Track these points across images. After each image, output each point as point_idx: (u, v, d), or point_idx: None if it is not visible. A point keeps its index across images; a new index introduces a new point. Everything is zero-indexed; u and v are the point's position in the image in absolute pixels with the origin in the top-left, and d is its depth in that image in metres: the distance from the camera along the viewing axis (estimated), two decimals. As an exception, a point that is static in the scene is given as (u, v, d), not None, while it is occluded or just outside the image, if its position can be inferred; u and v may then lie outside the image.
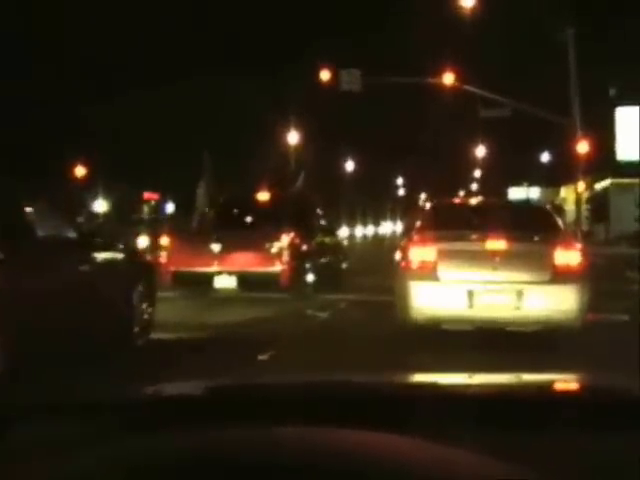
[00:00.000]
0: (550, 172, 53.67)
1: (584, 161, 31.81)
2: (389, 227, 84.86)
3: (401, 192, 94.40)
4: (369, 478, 1.07)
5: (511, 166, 55.76)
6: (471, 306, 9.33)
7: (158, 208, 48.72)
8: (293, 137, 44.48)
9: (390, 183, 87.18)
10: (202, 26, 42.25)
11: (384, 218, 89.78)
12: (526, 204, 16.26)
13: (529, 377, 2.25)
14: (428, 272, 9.45)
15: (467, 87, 32.14)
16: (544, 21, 30.84)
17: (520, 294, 9.29)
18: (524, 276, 9.37)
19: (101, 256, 9.14)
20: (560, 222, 11.04)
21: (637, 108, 41.01)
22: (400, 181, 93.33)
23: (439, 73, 31.90)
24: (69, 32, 36.52)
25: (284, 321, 12.22)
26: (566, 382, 2.09)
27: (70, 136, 37.95)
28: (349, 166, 71.39)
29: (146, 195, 48.95)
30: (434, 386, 2.06)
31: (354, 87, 31.63)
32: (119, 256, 9.68)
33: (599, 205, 43.59)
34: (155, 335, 10.03)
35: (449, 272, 9.44)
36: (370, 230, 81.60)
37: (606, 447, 1.48)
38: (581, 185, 33.90)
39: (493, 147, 59.06)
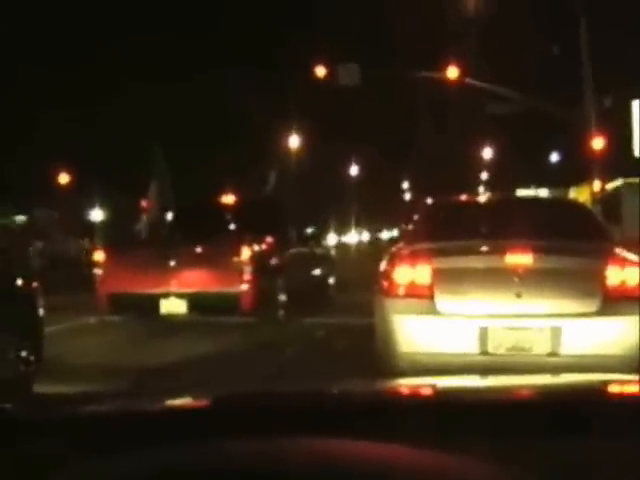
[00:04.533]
0: (558, 173, 51.28)
1: (599, 158, 29.44)
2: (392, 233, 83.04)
3: (407, 196, 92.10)
4: None
5: (518, 167, 53.24)
6: (484, 351, 6.40)
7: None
8: (287, 138, 41.65)
9: (395, 187, 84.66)
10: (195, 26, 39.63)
11: (387, 223, 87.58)
12: (556, 200, 13.04)
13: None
14: (421, 301, 6.55)
15: (472, 81, 29.89)
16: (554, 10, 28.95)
17: (557, 332, 6.36)
18: (562, 305, 6.45)
19: None
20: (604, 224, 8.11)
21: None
22: (406, 185, 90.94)
23: (443, 67, 29.56)
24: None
25: (235, 359, 9.38)
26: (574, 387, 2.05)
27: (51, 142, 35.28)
28: (352, 170, 68.76)
29: (144, 203, 46.50)
30: (440, 392, 2.01)
31: (352, 81, 29.20)
32: None
33: (611, 206, 40.97)
34: (45, 387, 7.31)
35: (452, 301, 6.54)
36: (376, 235, 79.90)
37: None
38: (597, 184, 31.40)
39: (500, 147, 56.52)
